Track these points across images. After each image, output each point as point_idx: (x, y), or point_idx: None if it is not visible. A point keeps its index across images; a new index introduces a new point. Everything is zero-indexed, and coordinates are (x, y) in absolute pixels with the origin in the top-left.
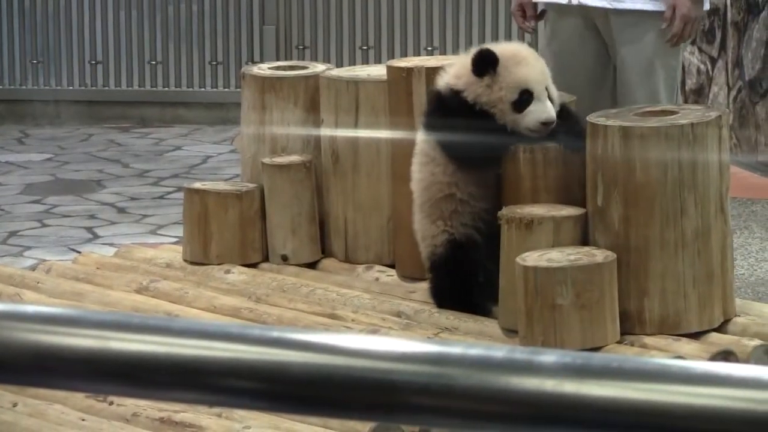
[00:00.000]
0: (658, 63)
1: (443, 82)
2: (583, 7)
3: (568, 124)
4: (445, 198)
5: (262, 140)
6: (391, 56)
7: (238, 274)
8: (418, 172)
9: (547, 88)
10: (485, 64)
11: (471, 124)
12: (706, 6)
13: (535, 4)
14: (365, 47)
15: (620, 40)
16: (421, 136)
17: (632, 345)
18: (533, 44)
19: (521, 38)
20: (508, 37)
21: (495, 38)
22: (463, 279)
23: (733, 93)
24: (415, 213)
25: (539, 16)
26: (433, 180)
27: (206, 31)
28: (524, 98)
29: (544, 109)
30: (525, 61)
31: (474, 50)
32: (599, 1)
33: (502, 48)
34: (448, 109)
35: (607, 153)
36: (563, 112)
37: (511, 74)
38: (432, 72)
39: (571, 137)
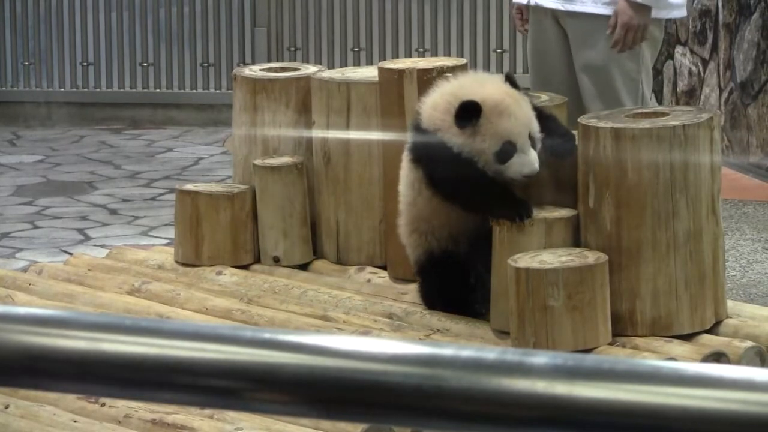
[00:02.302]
0: (614, 67)
1: (423, 116)
2: (553, 10)
3: (554, 131)
4: (424, 218)
5: (254, 142)
6: (383, 58)
7: (230, 276)
8: (404, 186)
9: (530, 134)
10: (468, 116)
11: (455, 169)
12: (683, 12)
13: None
14: (356, 49)
15: (575, 44)
16: (407, 161)
17: (624, 346)
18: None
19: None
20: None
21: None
22: (448, 285)
23: (725, 95)
24: (400, 215)
25: None
26: (415, 203)
27: (197, 33)
28: (507, 150)
29: (526, 162)
30: (508, 111)
31: (454, 86)
32: (552, 2)
33: (485, 95)
34: (431, 151)
35: (598, 154)
36: (545, 119)
37: (494, 126)
38: (423, 73)
39: (558, 143)
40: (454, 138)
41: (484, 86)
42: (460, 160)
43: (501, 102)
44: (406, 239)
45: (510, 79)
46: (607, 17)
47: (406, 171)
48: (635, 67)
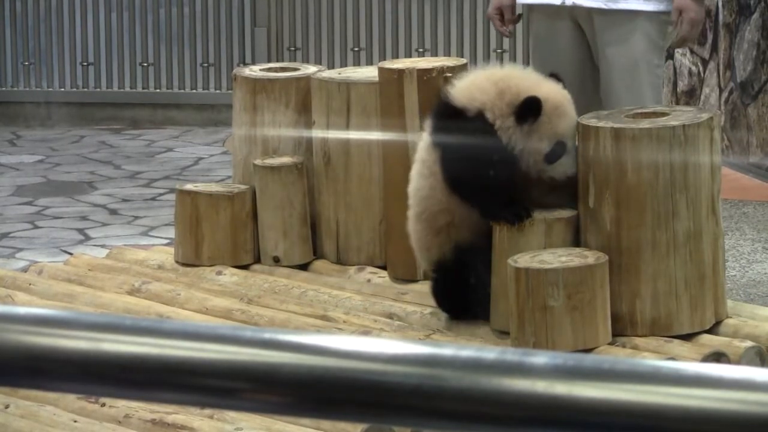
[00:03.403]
0: (643, 62)
1: (458, 94)
2: (571, 10)
3: None
4: (442, 211)
5: (254, 142)
6: (383, 58)
7: (230, 276)
8: (417, 181)
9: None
10: (529, 112)
11: (494, 164)
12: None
13: (513, 6)
14: (356, 49)
15: (605, 40)
16: (426, 145)
17: (624, 346)
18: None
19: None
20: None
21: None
22: (467, 283)
23: (725, 95)
24: (412, 220)
25: (517, 18)
26: (432, 194)
27: (197, 33)
28: (558, 150)
29: (571, 163)
30: (565, 113)
31: (503, 75)
32: (593, 1)
33: (545, 94)
34: (455, 128)
35: (598, 154)
36: None
37: (552, 126)
38: (423, 73)
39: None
40: (507, 133)
41: (542, 84)
42: (482, 140)
43: (560, 104)
44: (431, 240)
45: (558, 78)
46: (643, 14)
47: (423, 158)
48: (660, 63)
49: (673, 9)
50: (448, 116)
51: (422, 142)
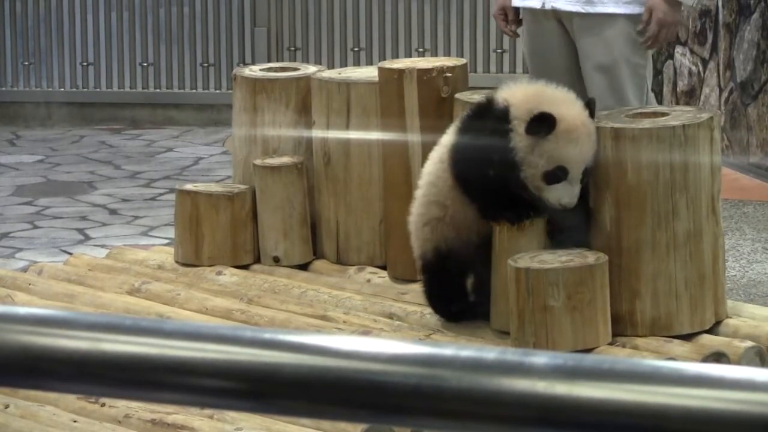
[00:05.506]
0: (623, 62)
1: (500, 96)
2: (554, 12)
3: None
4: (437, 203)
5: (254, 142)
6: (383, 58)
7: (230, 276)
8: (432, 165)
9: (585, 167)
10: (540, 127)
11: (488, 149)
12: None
13: (517, 8)
14: (356, 49)
15: (585, 41)
16: (451, 139)
17: (624, 347)
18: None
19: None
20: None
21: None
22: (449, 285)
23: (725, 95)
24: (415, 203)
25: (521, 20)
26: (439, 183)
27: (197, 33)
28: (557, 174)
29: (569, 194)
30: (577, 141)
31: (541, 90)
32: (572, 5)
33: (563, 114)
34: (488, 126)
35: (598, 154)
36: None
37: (558, 148)
38: (423, 73)
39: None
40: (517, 133)
41: (572, 107)
42: (498, 131)
43: (576, 128)
44: (419, 231)
45: (590, 107)
46: (622, 16)
47: (444, 142)
48: (643, 63)
49: (645, 9)
50: (480, 105)
51: (451, 133)
